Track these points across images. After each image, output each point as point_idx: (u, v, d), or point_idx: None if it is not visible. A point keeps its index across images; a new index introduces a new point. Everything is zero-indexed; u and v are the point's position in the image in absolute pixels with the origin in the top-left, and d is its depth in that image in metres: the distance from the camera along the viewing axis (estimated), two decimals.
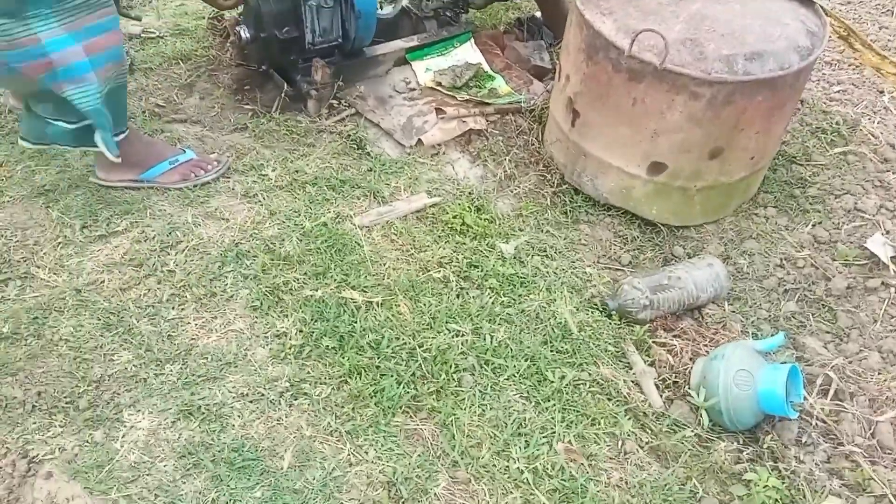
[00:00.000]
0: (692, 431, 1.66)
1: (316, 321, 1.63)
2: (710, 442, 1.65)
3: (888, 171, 2.45)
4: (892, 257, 2.09)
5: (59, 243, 1.76)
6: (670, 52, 1.88)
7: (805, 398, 1.71)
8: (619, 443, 1.59)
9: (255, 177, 2.02)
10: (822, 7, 2.15)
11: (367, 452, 1.40)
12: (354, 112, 2.35)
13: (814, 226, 2.25)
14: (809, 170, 2.44)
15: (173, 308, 1.63)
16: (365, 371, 1.55)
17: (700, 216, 2.25)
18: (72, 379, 1.48)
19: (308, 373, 1.52)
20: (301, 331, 1.60)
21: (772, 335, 1.90)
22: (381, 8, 2.47)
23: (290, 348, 1.56)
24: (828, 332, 1.97)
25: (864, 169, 2.45)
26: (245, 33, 2.20)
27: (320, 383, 1.50)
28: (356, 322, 1.65)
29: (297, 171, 2.06)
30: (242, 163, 2.07)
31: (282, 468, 1.36)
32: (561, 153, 2.31)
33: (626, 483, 1.49)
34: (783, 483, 1.54)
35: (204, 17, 2.64)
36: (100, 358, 1.52)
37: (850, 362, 1.88)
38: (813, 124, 2.66)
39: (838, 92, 2.93)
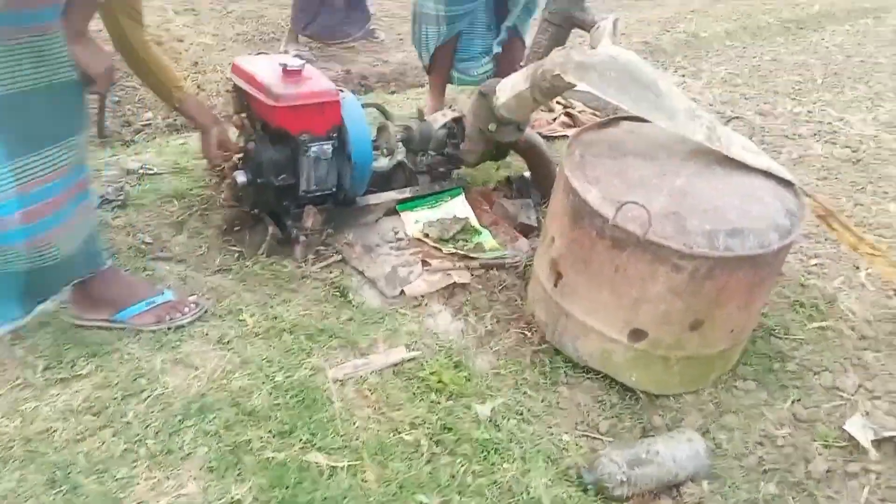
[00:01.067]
0: None
1: (274, 488, 1.55)
2: None
3: (866, 348, 2.46)
4: (872, 441, 2.05)
5: (18, 385, 1.70)
6: (653, 225, 1.93)
7: None
8: None
9: (231, 322, 2.01)
10: (801, 189, 2.24)
11: None
12: (341, 259, 2.37)
13: (793, 402, 2.22)
14: (788, 343, 2.45)
15: (125, 465, 1.56)
16: None
17: (679, 385, 2.23)
18: None
19: None
20: (257, 499, 1.52)
21: None
22: (378, 160, 2.55)
23: None
24: None
25: (843, 346, 2.46)
26: (242, 177, 2.26)
27: None
28: (317, 490, 1.57)
29: (275, 318, 2.04)
30: (221, 306, 2.06)
31: None
32: (543, 312, 2.32)
33: None
34: None
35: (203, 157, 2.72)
36: None
37: None
38: (791, 297, 2.69)
39: (815, 265, 2.99)
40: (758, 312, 2.25)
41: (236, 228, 2.44)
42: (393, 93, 4.47)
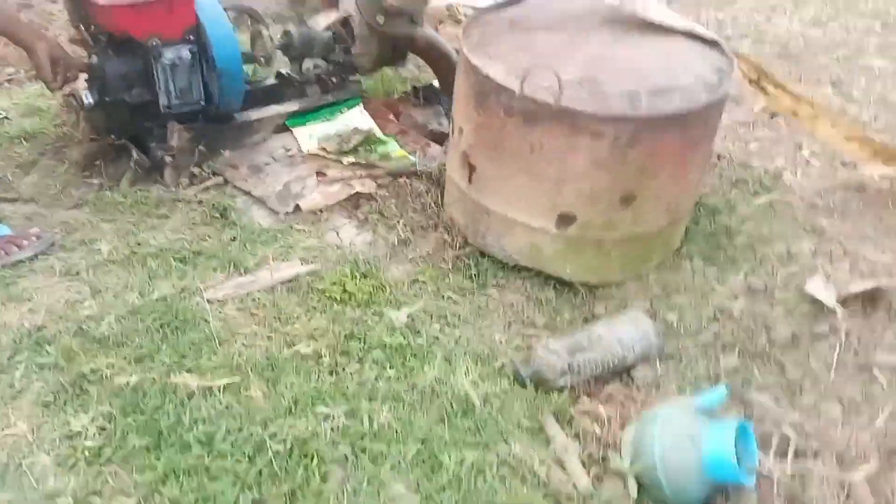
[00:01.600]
0: None
1: (128, 416, 1.24)
2: None
3: (817, 216, 2.27)
4: (837, 299, 1.84)
5: None
6: (566, 91, 1.67)
7: (760, 461, 1.39)
8: None
9: (83, 252, 1.67)
10: (727, 49, 2.01)
11: None
12: (223, 182, 2.05)
13: (746, 275, 2.00)
14: (735, 219, 2.23)
15: None
16: (188, 474, 1.16)
17: (619, 272, 1.98)
18: None
19: (105, 482, 1.12)
20: (104, 429, 1.21)
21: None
22: (253, 72, 2.23)
23: (82, 452, 1.17)
24: (777, 386, 1.68)
25: (793, 216, 2.25)
26: (88, 97, 1.92)
27: (120, 494, 1.10)
28: (184, 413, 1.26)
29: (139, 244, 1.72)
30: (72, 239, 1.73)
31: None
32: (461, 214, 2.05)
33: None
34: None
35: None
36: None
37: (808, 417, 1.58)
38: (733, 177, 2.48)
39: (757, 148, 2.80)
40: (695, 185, 2.02)
41: (97, 163, 2.09)
42: None
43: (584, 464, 1.43)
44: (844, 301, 1.84)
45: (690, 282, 1.99)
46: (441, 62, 2.50)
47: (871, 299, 1.85)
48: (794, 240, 2.11)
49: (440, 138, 2.44)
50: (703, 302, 1.91)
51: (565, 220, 1.85)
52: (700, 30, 2.01)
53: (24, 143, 2.17)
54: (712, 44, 1.99)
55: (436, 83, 2.66)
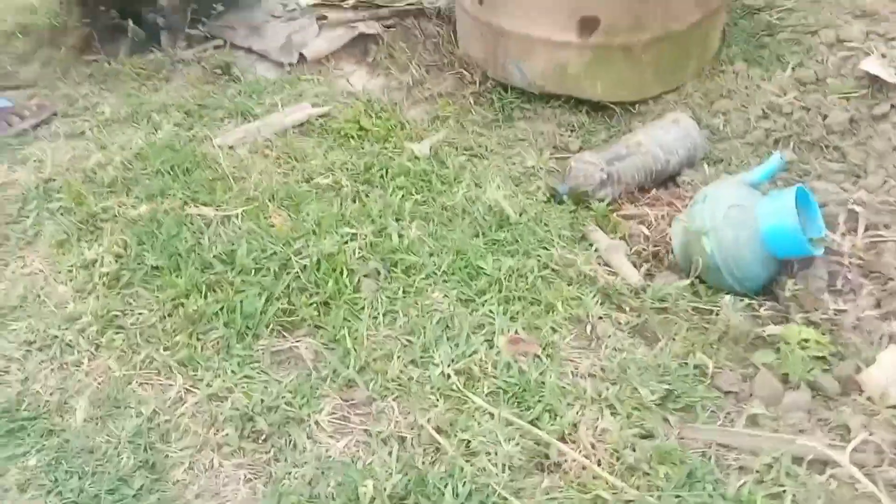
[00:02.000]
0: (687, 303, 1.20)
1: (143, 243, 1.18)
2: (712, 313, 1.19)
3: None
4: None
5: None
6: None
7: (828, 235, 1.26)
8: (588, 328, 1.13)
9: (87, 116, 1.60)
10: None
11: (208, 385, 0.95)
12: (222, 44, 1.94)
13: (794, 68, 1.82)
14: (776, 15, 2.03)
15: None
16: (211, 289, 1.10)
17: (655, 84, 1.83)
18: None
19: (125, 302, 1.08)
20: (119, 256, 1.15)
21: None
22: None
23: (100, 278, 1.11)
24: (839, 172, 1.54)
25: (839, 2, 2.04)
26: None
27: (141, 310, 1.05)
28: (203, 238, 1.20)
29: (142, 104, 1.64)
30: (74, 107, 1.66)
31: (73, 424, 0.90)
32: (477, 45, 1.90)
33: (602, 370, 1.03)
34: (824, 336, 1.08)
35: None
36: None
37: (876, 195, 1.44)
38: None
39: None
40: None
41: (94, 44, 2.00)
42: None
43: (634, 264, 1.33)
44: None
45: (734, 85, 1.83)
46: None
47: None
48: (843, 26, 1.91)
49: None
50: (750, 101, 1.76)
51: (588, 24, 1.70)
52: None
53: (20, 37, 2.09)
54: None
55: None
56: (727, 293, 1.21)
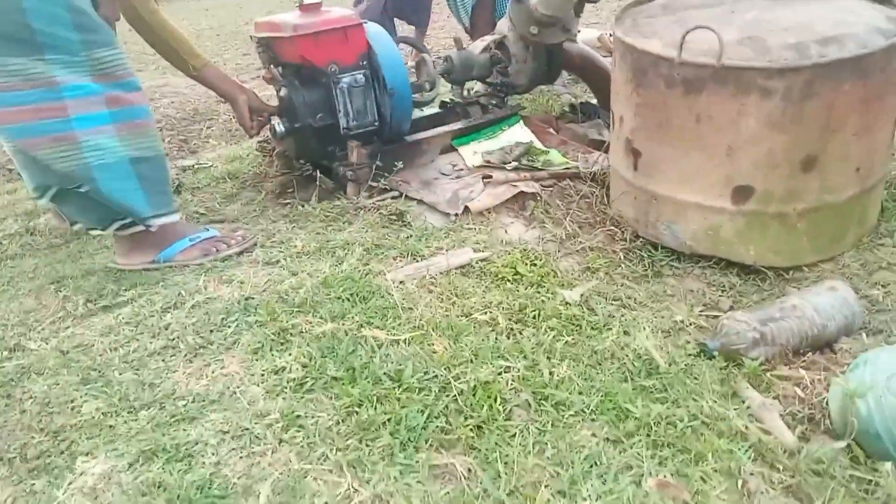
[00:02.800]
0: (844, 469, 1.16)
1: (325, 356, 1.33)
2: (871, 483, 1.14)
3: None
4: None
5: (59, 317, 1.60)
6: (727, 50, 1.65)
7: None
8: (739, 482, 1.12)
9: (281, 248, 1.85)
10: None
11: (374, 486, 1.03)
12: (398, 195, 2.20)
13: None
14: None
15: (162, 359, 1.39)
16: (380, 401, 1.21)
17: (811, 251, 1.84)
18: (28, 431, 1.23)
19: (307, 405, 1.20)
20: (305, 365, 1.30)
21: None
22: (422, 95, 2.40)
23: (288, 382, 1.26)
24: None
25: None
26: (280, 127, 2.17)
27: (320, 413, 1.17)
28: (375, 357, 1.33)
29: (328, 241, 1.87)
30: (272, 240, 1.92)
31: None
32: (629, 206, 2.03)
33: None
34: None
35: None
36: (67, 410, 1.27)
37: None
38: None
39: None
40: (886, 144, 1.86)
41: (290, 190, 2.33)
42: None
43: (787, 425, 1.31)
44: None
45: (894, 258, 1.81)
46: (597, 76, 2.55)
47: None
48: None
49: (601, 146, 2.46)
50: None
51: (743, 193, 1.77)
52: None
53: (227, 180, 2.47)
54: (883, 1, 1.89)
55: (593, 100, 2.71)
56: (888, 461, 1.16)
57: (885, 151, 1.87)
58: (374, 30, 2.19)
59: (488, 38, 2.42)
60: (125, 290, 1.68)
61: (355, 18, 2.12)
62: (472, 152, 2.40)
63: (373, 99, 2.19)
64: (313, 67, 2.11)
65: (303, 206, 2.13)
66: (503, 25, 2.41)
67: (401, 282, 1.68)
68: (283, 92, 2.19)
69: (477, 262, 1.80)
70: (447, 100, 2.53)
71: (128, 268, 1.80)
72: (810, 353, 1.55)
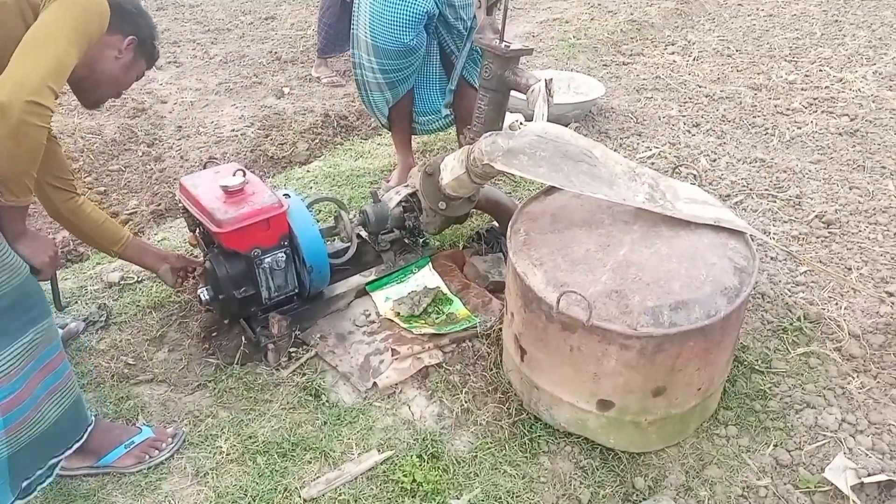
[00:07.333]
0: None
1: None
2: None
3: (851, 372, 2.43)
4: (853, 486, 2.04)
5: None
6: (596, 307, 1.94)
7: None
8: None
9: (207, 450, 2.10)
10: (751, 237, 2.20)
11: None
12: (314, 355, 2.44)
13: (775, 446, 2.22)
14: (769, 379, 2.44)
15: None
16: None
17: (658, 442, 2.25)
18: None
19: None
20: None
21: None
22: (336, 248, 2.59)
23: None
24: None
25: (826, 374, 2.43)
26: (204, 296, 2.34)
27: None
28: None
29: (250, 438, 2.13)
30: (198, 433, 2.16)
31: None
32: (517, 381, 2.36)
33: None
34: None
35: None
36: None
37: None
38: (774, 322, 2.66)
39: (804, 274, 2.94)
40: (724, 366, 2.23)
41: (214, 334, 2.53)
42: (369, 137, 4.48)
43: None
44: (861, 486, 2.04)
45: (724, 452, 2.22)
46: (501, 213, 2.78)
47: (887, 486, 2.04)
48: (822, 408, 2.30)
49: (501, 288, 2.74)
50: (734, 477, 2.14)
51: (605, 405, 2.13)
52: (727, 219, 2.21)
53: (154, 313, 2.63)
54: (737, 234, 2.19)
55: (496, 224, 2.95)
56: None
57: (722, 369, 2.25)
58: (294, 209, 2.33)
59: (403, 192, 2.59)
60: None
61: (277, 205, 2.25)
62: (384, 297, 2.64)
63: (293, 272, 2.37)
64: (236, 252, 2.27)
65: (225, 376, 2.35)
66: (415, 177, 2.58)
67: (314, 500, 1.99)
68: (207, 263, 2.34)
69: (381, 465, 2.11)
70: (363, 234, 2.72)
71: (68, 473, 2.02)
72: None
